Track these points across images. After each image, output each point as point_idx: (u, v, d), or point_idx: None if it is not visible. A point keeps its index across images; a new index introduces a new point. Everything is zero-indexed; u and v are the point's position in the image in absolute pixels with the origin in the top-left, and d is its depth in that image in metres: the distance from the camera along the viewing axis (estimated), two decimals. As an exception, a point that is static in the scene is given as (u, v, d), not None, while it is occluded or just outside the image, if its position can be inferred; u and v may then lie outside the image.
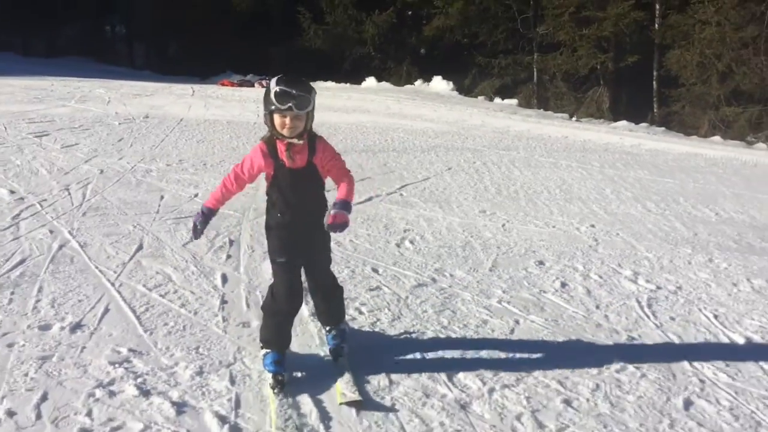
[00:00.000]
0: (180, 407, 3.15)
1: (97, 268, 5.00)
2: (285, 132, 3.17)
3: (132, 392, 3.26)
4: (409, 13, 31.81)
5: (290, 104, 3.09)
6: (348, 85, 28.18)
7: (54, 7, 41.78)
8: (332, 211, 3.25)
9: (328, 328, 3.66)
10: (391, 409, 3.18)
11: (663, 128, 19.46)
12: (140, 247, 5.55)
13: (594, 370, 3.73)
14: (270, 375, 3.29)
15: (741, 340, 4.31)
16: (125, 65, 41.30)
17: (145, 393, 3.26)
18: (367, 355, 3.68)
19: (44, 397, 3.18)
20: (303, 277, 3.54)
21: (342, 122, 14.50)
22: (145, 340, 3.83)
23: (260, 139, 3.34)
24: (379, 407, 3.17)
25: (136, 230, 6.02)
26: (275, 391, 3.19)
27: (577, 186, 9.10)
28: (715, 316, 4.69)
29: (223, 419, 3.07)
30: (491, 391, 3.43)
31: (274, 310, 3.37)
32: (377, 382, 3.41)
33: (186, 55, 37.23)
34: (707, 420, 3.30)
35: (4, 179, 7.70)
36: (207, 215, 3.36)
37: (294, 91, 3.09)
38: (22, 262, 5.06)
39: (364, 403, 3.16)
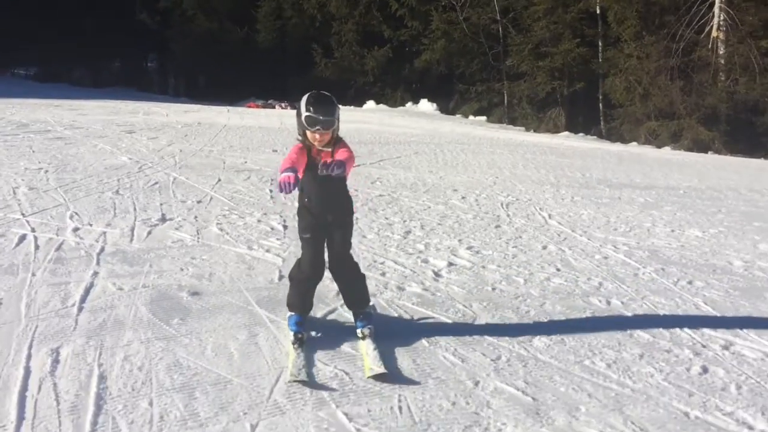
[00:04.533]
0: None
1: (198, 186, 8.26)
2: (316, 144, 3.49)
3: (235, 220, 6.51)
4: (406, 48, 35.39)
5: (318, 127, 3.40)
6: (352, 107, 31.61)
7: (97, 43, 44.81)
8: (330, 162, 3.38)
9: (355, 312, 3.74)
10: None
11: (594, 136, 22.74)
12: (218, 180, 8.79)
13: (466, 227, 6.97)
14: (292, 333, 3.53)
15: (554, 224, 7.51)
16: (164, 94, 44.83)
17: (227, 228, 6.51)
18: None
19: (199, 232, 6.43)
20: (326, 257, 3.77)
21: (345, 128, 17.70)
22: (234, 206, 7.09)
23: (297, 139, 3.62)
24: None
25: (214, 175, 9.25)
26: (295, 346, 3.43)
27: (500, 162, 12.36)
28: (547, 213, 7.93)
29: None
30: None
31: (299, 278, 3.65)
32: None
33: (214, 85, 40.73)
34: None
35: (121, 152, 10.96)
36: (294, 170, 3.34)
37: (321, 117, 3.38)
38: (156, 183, 8.30)
39: (389, 376, 3.22)
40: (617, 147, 19.10)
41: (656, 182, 10.94)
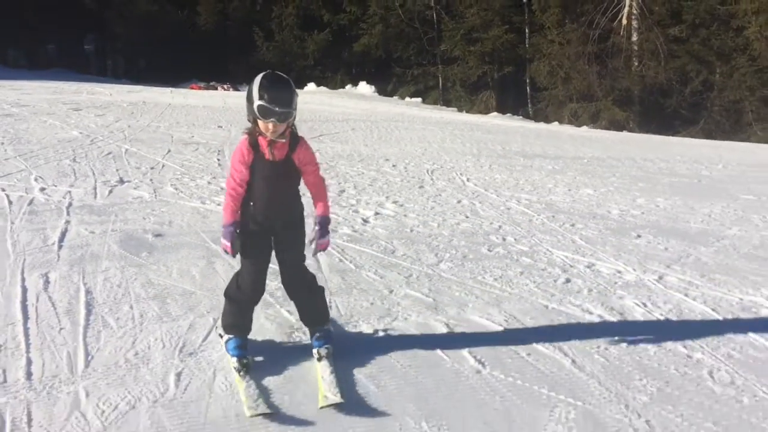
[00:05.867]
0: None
1: (149, 156, 8.80)
2: (268, 135, 2.91)
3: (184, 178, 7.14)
4: (345, 33, 35.89)
5: (273, 119, 2.83)
6: (293, 89, 32.01)
7: (33, 23, 43.34)
8: (319, 239, 3.07)
9: (311, 330, 3.20)
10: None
11: (521, 117, 24.03)
12: (168, 151, 9.32)
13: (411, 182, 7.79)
14: (235, 359, 2.98)
15: (471, 185, 8.40)
16: (103, 76, 43.88)
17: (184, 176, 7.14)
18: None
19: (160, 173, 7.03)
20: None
21: (285, 108, 18.31)
22: (185, 172, 7.70)
23: (243, 131, 3.05)
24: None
25: (163, 147, 9.76)
26: (241, 374, 2.90)
27: (429, 137, 13.25)
28: (466, 177, 8.84)
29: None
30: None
31: (238, 298, 3.09)
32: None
33: (155, 67, 40.22)
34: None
35: (70, 127, 11.28)
36: (235, 229, 3.00)
37: (276, 108, 2.80)
38: (109, 153, 8.78)
39: (346, 405, 2.72)
40: (537, 125, 20.36)
41: (566, 154, 12.06)
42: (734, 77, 21.84)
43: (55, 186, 6.55)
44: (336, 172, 8.40)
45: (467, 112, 27.51)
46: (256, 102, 2.84)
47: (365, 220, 5.88)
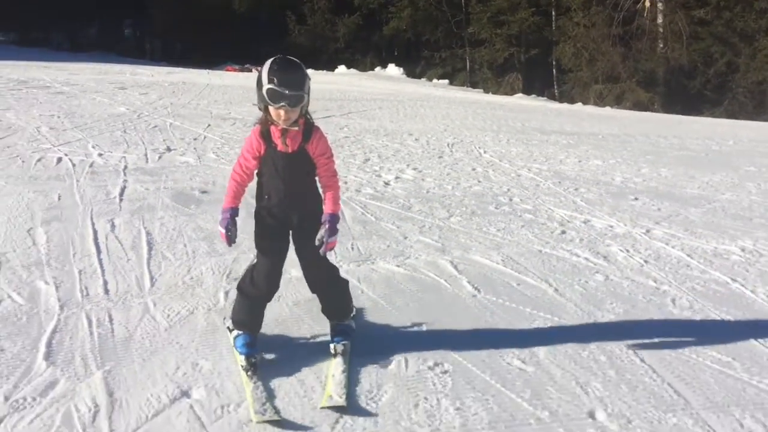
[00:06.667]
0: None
1: (192, 129, 9.45)
2: (281, 122, 2.71)
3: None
4: (375, 16, 36.29)
5: (283, 103, 2.63)
6: (324, 71, 32.58)
7: (75, 7, 44.49)
8: (326, 238, 2.79)
9: (333, 324, 3.04)
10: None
11: (545, 98, 24.23)
12: (209, 125, 9.97)
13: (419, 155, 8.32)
14: (243, 357, 2.79)
15: (487, 156, 8.89)
16: (142, 58, 44.97)
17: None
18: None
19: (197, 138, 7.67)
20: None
21: (318, 88, 18.88)
22: (224, 142, 8.33)
23: (255, 122, 2.86)
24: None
25: (204, 121, 10.41)
26: (249, 374, 2.72)
27: (453, 115, 13.70)
28: (483, 150, 9.32)
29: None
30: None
31: (251, 294, 2.92)
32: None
33: (191, 50, 41.14)
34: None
35: (118, 104, 12.02)
36: (232, 215, 2.88)
37: (287, 92, 2.61)
38: (155, 126, 9.46)
39: (348, 410, 2.50)
40: (560, 105, 20.63)
41: (582, 130, 12.42)
42: (757, 58, 21.74)
43: (111, 152, 7.23)
44: (362, 144, 8.95)
45: (494, 93, 27.77)
46: (266, 86, 2.64)
47: (386, 183, 6.43)
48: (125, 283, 3.66)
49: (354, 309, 3.16)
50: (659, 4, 22.92)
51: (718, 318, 3.45)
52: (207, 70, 27.20)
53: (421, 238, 4.68)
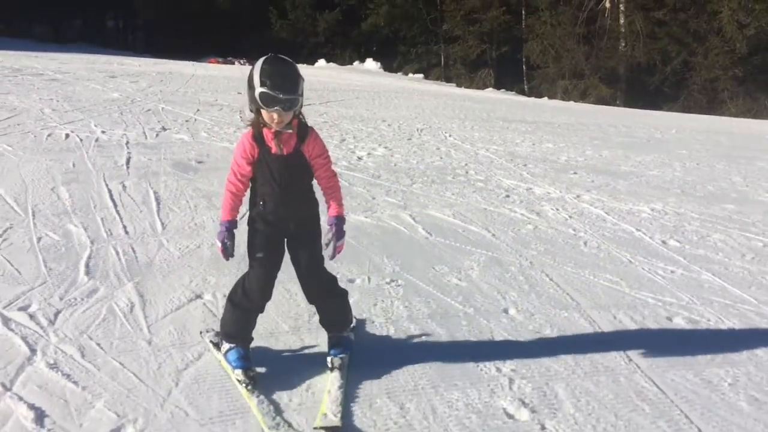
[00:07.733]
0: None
1: (183, 113, 10.10)
2: (273, 125, 2.53)
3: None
4: (354, 12, 36.95)
5: (277, 107, 2.45)
6: (305, 65, 33.18)
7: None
8: (334, 242, 2.66)
9: (330, 336, 2.83)
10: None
11: (514, 92, 25.18)
12: (198, 110, 10.63)
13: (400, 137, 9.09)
14: (240, 371, 2.59)
15: (451, 139, 9.68)
16: (126, 50, 45.01)
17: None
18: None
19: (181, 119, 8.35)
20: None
21: (297, 80, 19.58)
22: (214, 124, 9.01)
23: (246, 123, 2.64)
24: None
25: (193, 107, 11.06)
26: (249, 388, 2.53)
27: (424, 105, 14.48)
28: (448, 134, 10.12)
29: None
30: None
31: (243, 305, 2.68)
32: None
33: (174, 42, 41.37)
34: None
35: (111, 90, 12.59)
36: (230, 228, 2.66)
37: (281, 95, 2.42)
38: (149, 110, 10.09)
39: (343, 430, 2.32)
40: (526, 99, 21.55)
41: (542, 120, 13.29)
42: (709, 57, 22.90)
43: (112, 130, 7.88)
44: (339, 128, 9.69)
45: (466, 88, 28.65)
46: (258, 89, 2.45)
47: (359, 158, 7.19)
48: (141, 227, 4.37)
49: (354, 320, 2.97)
50: (620, 5, 23.94)
51: (618, 255, 4.28)
52: (191, 62, 27.64)
53: (387, 198, 5.45)
